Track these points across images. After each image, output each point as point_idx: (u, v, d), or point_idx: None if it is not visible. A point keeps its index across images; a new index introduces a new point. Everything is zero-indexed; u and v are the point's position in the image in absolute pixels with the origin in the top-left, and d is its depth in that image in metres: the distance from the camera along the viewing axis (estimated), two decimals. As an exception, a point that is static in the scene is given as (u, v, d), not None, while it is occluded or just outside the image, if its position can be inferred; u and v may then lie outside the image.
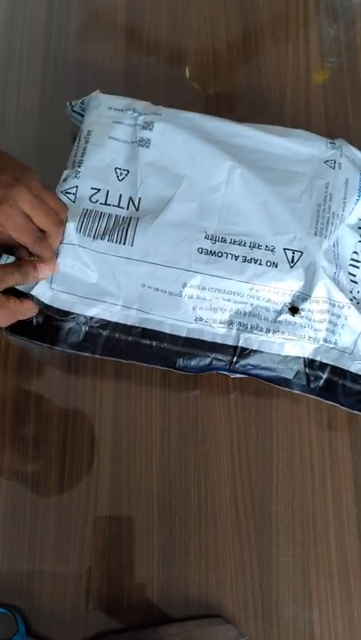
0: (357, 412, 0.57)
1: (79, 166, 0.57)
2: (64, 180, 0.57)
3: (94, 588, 0.54)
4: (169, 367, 0.56)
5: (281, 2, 0.75)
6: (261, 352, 0.56)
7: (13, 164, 0.52)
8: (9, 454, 0.57)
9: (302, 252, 0.56)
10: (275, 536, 0.56)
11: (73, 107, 0.63)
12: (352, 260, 0.58)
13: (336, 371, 0.57)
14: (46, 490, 0.56)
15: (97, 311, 0.55)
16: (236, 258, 0.55)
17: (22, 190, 0.50)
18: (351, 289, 0.57)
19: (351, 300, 0.56)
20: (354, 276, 0.58)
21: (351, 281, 0.58)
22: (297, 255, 0.56)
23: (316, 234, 0.57)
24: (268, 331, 0.56)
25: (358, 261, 0.58)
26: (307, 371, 0.57)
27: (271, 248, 0.56)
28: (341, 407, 0.57)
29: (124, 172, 0.57)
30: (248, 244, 0.56)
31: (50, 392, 0.59)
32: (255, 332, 0.56)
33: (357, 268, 0.58)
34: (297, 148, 0.61)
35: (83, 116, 0.62)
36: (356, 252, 0.58)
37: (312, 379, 0.57)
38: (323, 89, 0.71)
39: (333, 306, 0.56)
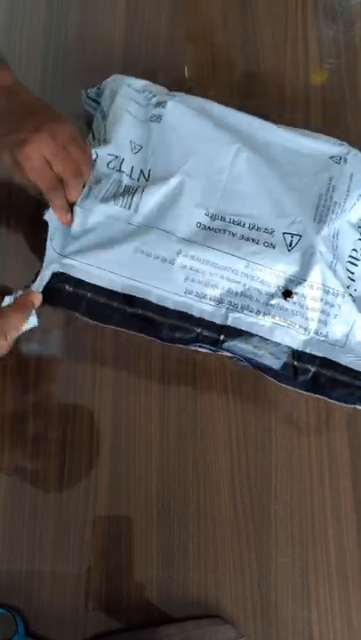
0: (350, 405, 0.56)
1: (101, 137, 0.60)
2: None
3: (93, 588, 0.54)
4: (154, 337, 0.56)
5: (280, 3, 0.75)
6: (249, 334, 0.55)
7: (46, 112, 0.53)
8: (8, 454, 0.57)
9: (301, 236, 0.56)
10: (273, 536, 0.56)
11: (88, 94, 0.64)
12: (351, 257, 0.58)
13: (326, 363, 0.56)
14: (45, 489, 0.56)
15: (84, 274, 0.55)
16: (234, 235, 0.56)
17: (45, 136, 0.51)
18: (348, 285, 0.57)
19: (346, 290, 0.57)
20: (352, 273, 0.58)
21: (349, 277, 0.58)
22: (295, 239, 0.56)
23: (315, 220, 0.57)
24: (258, 312, 0.55)
25: (357, 259, 0.59)
26: (295, 363, 0.56)
27: (270, 230, 0.56)
28: (330, 400, 0.56)
29: (138, 147, 0.59)
30: (247, 225, 0.57)
31: (49, 391, 0.59)
32: (245, 312, 0.55)
33: (355, 265, 0.58)
34: (304, 142, 0.62)
35: (97, 102, 0.63)
36: (355, 250, 0.59)
37: (300, 372, 0.56)
38: (321, 89, 0.71)
39: (328, 293, 0.56)
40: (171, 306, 0.56)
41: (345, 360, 0.56)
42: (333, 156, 0.61)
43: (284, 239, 0.56)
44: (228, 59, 0.72)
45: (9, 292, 0.53)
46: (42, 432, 0.57)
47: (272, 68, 0.72)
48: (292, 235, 0.56)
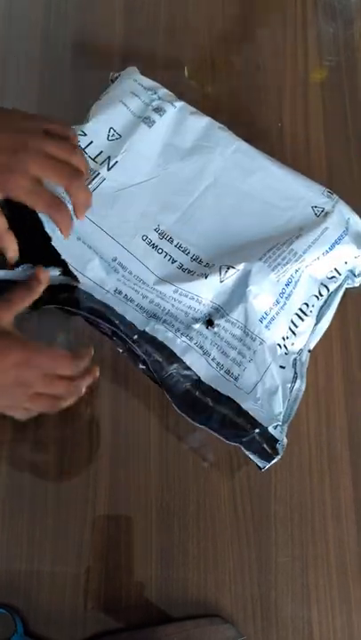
0: (232, 443, 0.53)
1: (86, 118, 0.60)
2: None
3: (93, 588, 0.54)
4: (75, 309, 0.56)
5: (279, 0, 0.75)
6: (163, 345, 0.55)
7: (16, 121, 0.48)
8: (8, 453, 0.57)
9: (238, 270, 0.55)
10: (273, 536, 0.55)
11: (112, 77, 0.65)
12: (300, 309, 0.57)
13: (226, 402, 0.54)
14: (45, 489, 0.56)
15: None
16: (174, 262, 0.57)
17: (28, 154, 0.46)
18: (286, 336, 0.56)
19: (279, 345, 0.55)
20: (296, 326, 0.57)
21: (290, 329, 0.56)
22: (231, 271, 0.55)
23: (261, 259, 0.56)
24: (177, 330, 0.55)
25: (305, 315, 0.57)
26: (197, 394, 0.54)
27: (210, 265, 0.56)
28: (214, 433, 0.53)
29: (117, 136, 0.59)
30: (191, 255, 0.57)
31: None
32: (166, 325, 0.55)
33: (302, 320, 0.57)
34: (291, 183, 0.60)
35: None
36: (306, 305, 0.57)
37: (200, 404, 0.54)
38: (321, 87, 0.71)
39: (246, 335, 0.55)
40: (98, 297, 0.56)
41: (246, 405, 0.53)
42: (316, 206, 0.59)
43: (220, 271, 0.55)
44: (227, 57, 0.72)
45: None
46: (41, 432, 0.57)
47: (271, 65, 0.71)
48: (229, 267, 0.55)
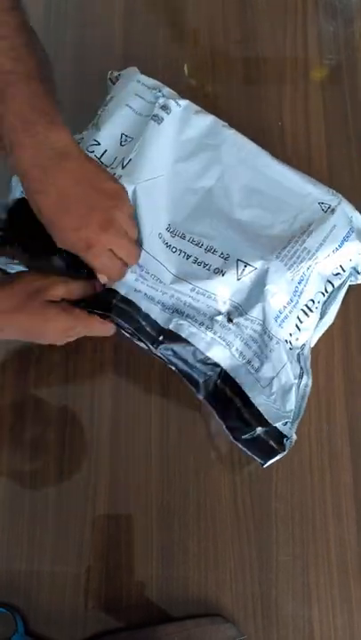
0: (231, 439, 0.53)
1: (95, 121, 0.60)
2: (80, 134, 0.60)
3: (93, 588, 0.54)
4: (102, 311, 0.55)
5: (280, -1, 0.75)
6: (187, 342, 0.55)
7: (107, 195, 0.53)
8: (7, 453, 0.57)
9: (255, 269, 0.55)
10: (274, 534, 0.55)
11: (111, 76, 0.65)
12: (306, 306, 0.57)
13: (242, 396, 0.54)
14: (45, 488, 0.56)
15: None
16: (188, 257, 0.56)
17: (112, 235, 0.51)
18: (292, 332, 0.56)
19: (286, 341, 0.55)
20: (301, 322, 0.56)
21: (296, 325, 0.56)
22: (248, 269, 0.55)
23: (277, 257, 0.55)
24: (201, 324, 0.55)
25: (310, 310, 0.57)
26: (218, 382, 0.55)
27: (226, 256, 0.56)
28: (223, 424, 0.54)
29: (129, 139, 0.59)
30: (205, 247, 0.56)
31: (48, 392, 0.59)
32: (189, 320, 0.55)
33: (307, 316, 0.57)
34: (298, 181, 0.60)
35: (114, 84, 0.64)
36: (312, 301, 0.57)
37: (218, 392, 0.55)
38: (321, 86, 0.71)
39: (265, 332, 0.55)
40: (123, 291, 0.56)
41: (259, 401, 0.54)
42: (322, 202, 0.59)
43: (237, 266, 0.55)
44: (227, 55, 0.72)
45: None
46: (41, 432, 0.57)
47: (272, 64, 0.71)
48: (246, 264, 0.55)
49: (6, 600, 0.53)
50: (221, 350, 0.55)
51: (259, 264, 0.55)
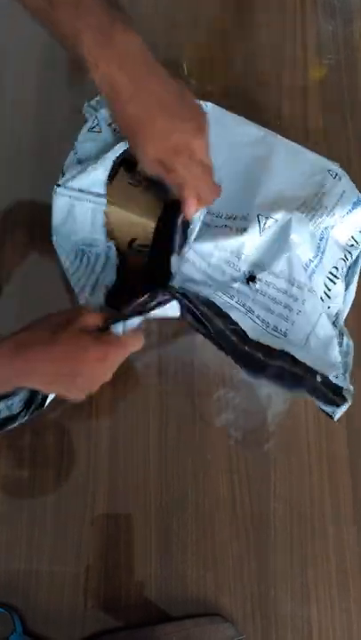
0: (295, 392, 0.52)
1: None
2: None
3: (92, 587, 0.54)
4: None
5: (279, -2, 0.75)
6: (210, 301, 0.53)
7: (195, 107, 0.50)
8: (7, 453, 0.57)
9: (277, 221, 0.54)
10: (273, 534, 0.55)
11: (90, 103, 0.63)
12: (331, 273, 0.57)
13: (279, 354, 0.52)
14: (44, 489, 0.56)
15: None
16: (209, 227, 0.56)
17: (203, 141, 0.48)
18: (322, 297, 0.55)
19: (322, 299, 0.55)
20: (329, 289, 0.56)
21: (325, 292, 0.56)
22: (270, 222, 0.54)
23: (298, 209, 0.55)
24: (217, 290, 0.55)
25: (336, 277, 0.57)
26: (246, 349, 0.52)
27: (245, 215, 0.55)
28: (273, 384, 0.52)
29: None
30: (225, 216, 0.56)
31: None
32: (202, 287, 0.55)
33: (334, 283, 0.56)
34: (305, 152, 0.61)
35: (96, 110, 0.62)
36: (336, 268, 0.57)
37: (247, 355, 0.52)
38: (320, 85, 0.71)
39: (292, 285, 0.54)
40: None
41: (301, 356, 0.52)
42: (331, 170, 0.60)
43: (258, 221, 0.54)
44: (226, 55, 0.72)
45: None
46: (41, 432, 0.57)
47: (270, 63, 0.71)
48: (267, 217, 0.54)
49: (4, 600, 0.53)
50: (242, 316, 0.54)
51: (280, 215, 0.55)
